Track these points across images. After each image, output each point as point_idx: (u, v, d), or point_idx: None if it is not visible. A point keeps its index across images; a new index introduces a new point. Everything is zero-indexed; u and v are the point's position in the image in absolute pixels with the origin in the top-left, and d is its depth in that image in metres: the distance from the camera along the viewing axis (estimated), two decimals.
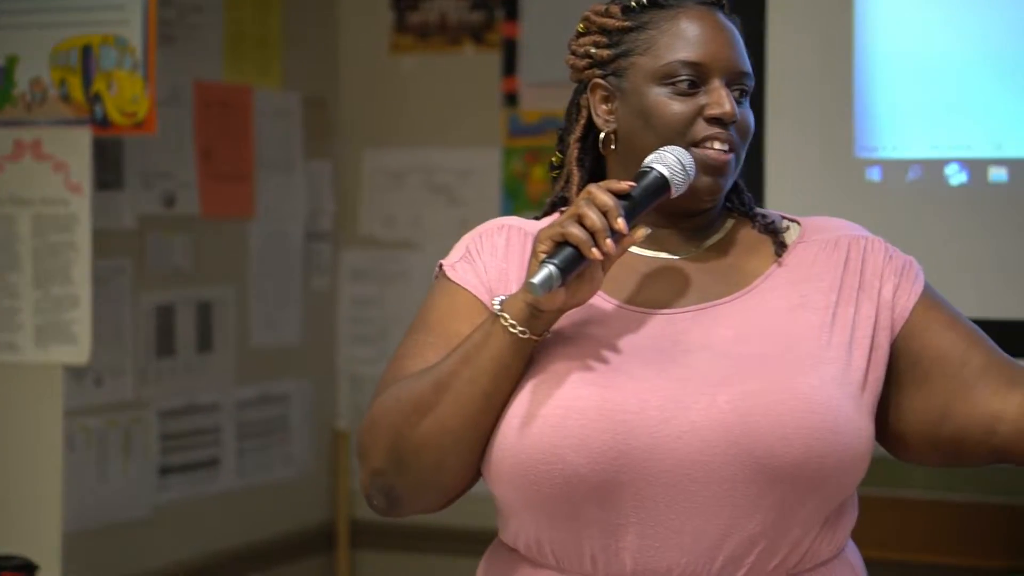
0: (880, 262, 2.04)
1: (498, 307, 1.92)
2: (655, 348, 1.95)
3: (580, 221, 1.88)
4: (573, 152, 2.09)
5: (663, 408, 1.89)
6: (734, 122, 1.99)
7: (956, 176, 3.27)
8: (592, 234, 1.87)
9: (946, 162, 3.28)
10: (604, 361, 1.94)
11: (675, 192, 1.97)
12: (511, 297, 1.93)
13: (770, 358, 1.93)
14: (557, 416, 1.89)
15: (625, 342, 1.96)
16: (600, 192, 1.90)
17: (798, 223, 2.11)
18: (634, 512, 1.89)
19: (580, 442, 1.87)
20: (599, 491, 1.88)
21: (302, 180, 4.61)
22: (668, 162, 1.96)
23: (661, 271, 2.05)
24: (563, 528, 1.92)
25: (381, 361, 4.69)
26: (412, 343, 2.03)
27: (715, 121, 1.99)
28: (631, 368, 1.93)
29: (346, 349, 4.75)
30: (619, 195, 1.92)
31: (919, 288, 2.04)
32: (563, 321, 1.96)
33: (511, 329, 1.90)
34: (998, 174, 3.25)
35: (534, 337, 1.91)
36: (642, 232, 1.92)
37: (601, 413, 1.88)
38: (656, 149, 1.98)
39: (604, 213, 1.88)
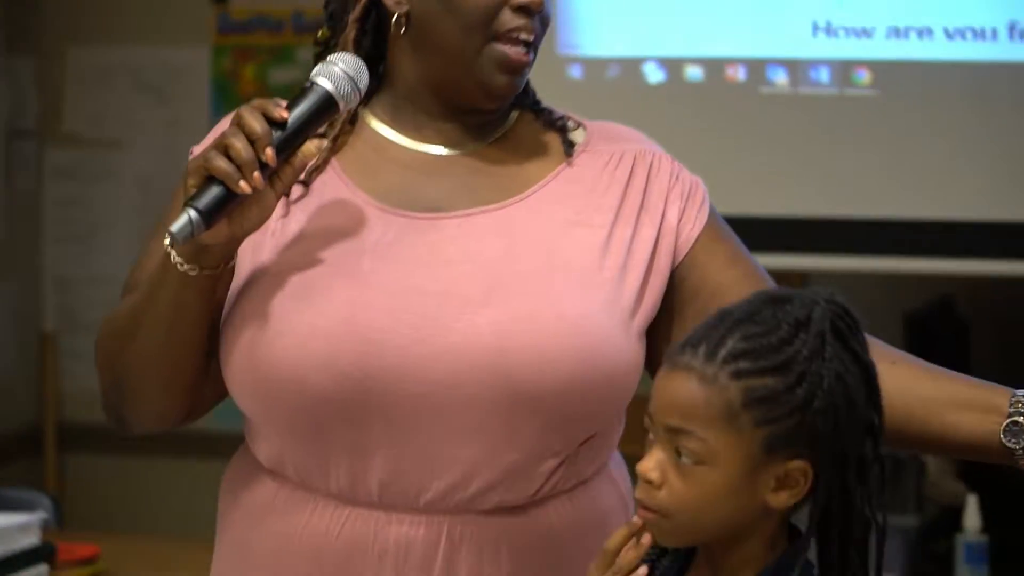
0: (666, 183, 1.90)
1: (167, 241, 1.75)
2: (414, 258, 1.81)
3: (226, 152, 1.72)
4: (351, 33, 1.88)
5: (418, 327, 1.76)
6: (540, 11, 1.85)
7: (654, 74, 3.34)
8: (239, 166, 1.72)
9: (644, 60, 3.34)
10: (356, 272, 1.80)
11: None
12: None
13: (539, 277, 1.80)
14: (300, 334, 1.77)
15: (381, 250, 1.82)
16: (250, 117, 1.74)
17: (583, 126, 1.96)
18: (383, 434, 1.78)
19: (324, 362, 1.76)
20: (345, 412, 1.77)
21: (3, 77, 4.48)
22: (333, 74, 1.80)
23: (431, 169, 1.89)
24: (308, 448, 1.81)
25: (88, 262, 4.62)
26: (144, 249, 1.91)
27: (522, 10, 1.83)
28: (385, 280, 1.79)
29: (51, 249, 4.66)
30: (278, 118, 1.75)
31: (704, 216, 1.90)
32: (314, 221, 1.84)
33: (179, 267, 1.77)
34: (694, 72, 3.32)
35: (207, 271, 1.79)
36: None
37: (348, 331, 1.76)
38: (457, 38, 1.83)
39: (253, 142, 1.73)
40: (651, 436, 1.60)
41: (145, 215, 4.54)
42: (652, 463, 1.58)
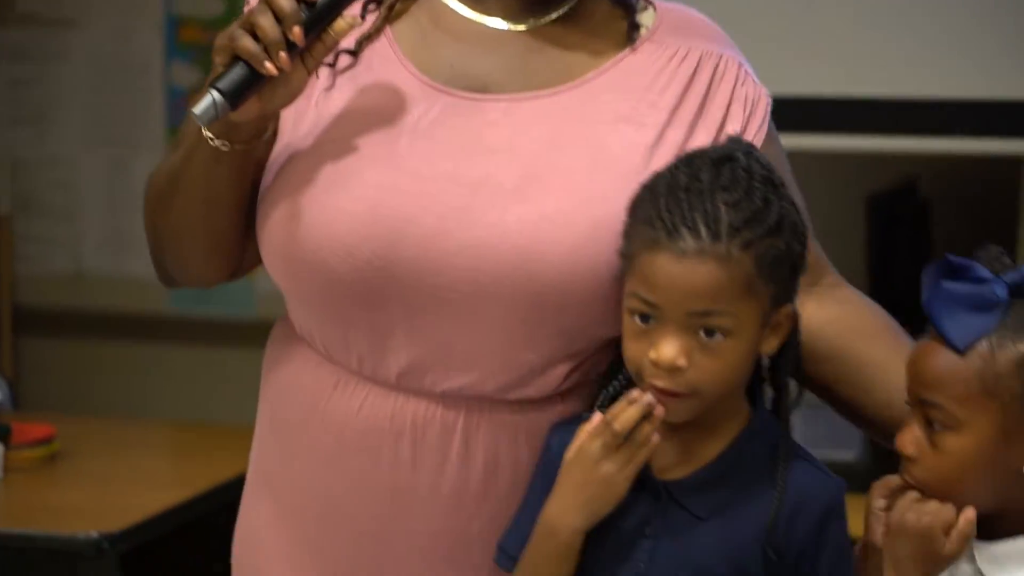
0: (729, 91, 1.82)
1: (197, 112, 1.71)
2: (453, 141, 1.76)
3: (252, 30, 1.68)
4: None
5: (444, 217, 1.72)
6: None
7: None
8: (265, 46, 1.68)
9: None
10: (390, 154, 1.75)
11: None
12: None
13: (579, 174, 1.73)
14: (326, 217, 1.74)
15: (421, 130, 1.77)
16: None
17: (654, 7, 1.87)
18: (402, 322, 1.75)
19: (345, 249, 1.73)
20: (365, 297, 1.75)
21: None
22: None
23: (486, 43, 1.82)
24: (330, 325, 1.80)
25: (42, 144, 4.56)
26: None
27: None
28: (419, 164, 1.75)
29: (6, 132, 4.59)
30: None
31: (763, 134, 1.82)
32: (357, 96, 1.80)
33: (211, 141, 1.75)
34: None
35: (239, 147, 1.76)
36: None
37: (373, 218, 1.73)
38: None
39: (281, 20, 1.68)
40: (646, 323, 1.63)
41: (100, 95, 4.47)
42: (675, 350, 1.61)
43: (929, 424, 1.62)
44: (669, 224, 1.61)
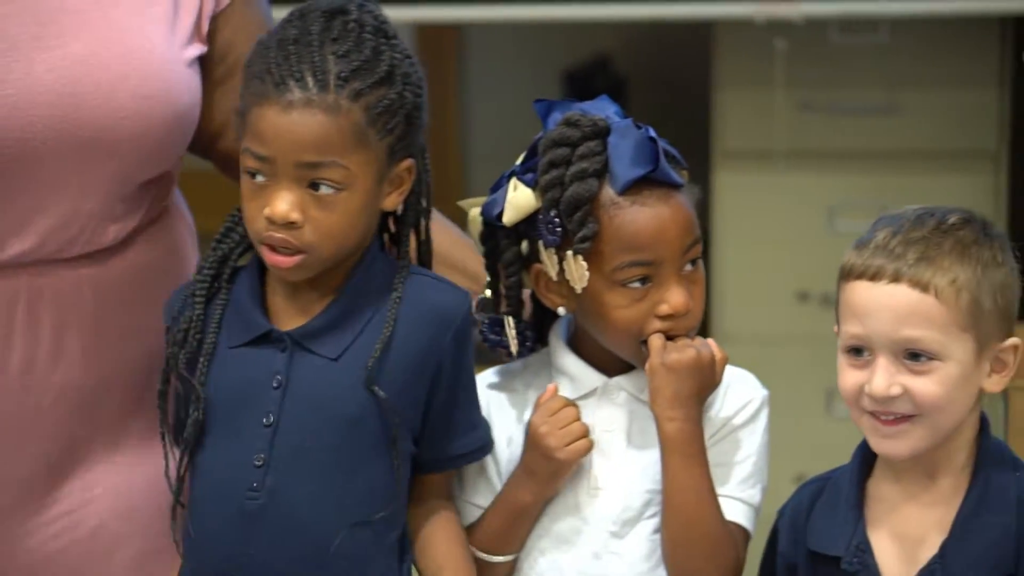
0: None
1: None
2: None
3: None
4: None
5: None
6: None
7: None
8: None
9: None
10: None
11: None
12: None
13: (93, 11, 1.68)
14: None
15: None
16: None
17: None
18: None
19: None
20: None
21: None
22: None
23: None
24: None
25: None
26: None
27: None
28: None
29: None
30: None
31: None
32: None
33: None
34: None
35: None
36: None
37: None
38: None
39: None
40: (256, 179, 1.63)
41: None
42: (288, 204, 1.61)
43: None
44: (277, 77, 1.61)
